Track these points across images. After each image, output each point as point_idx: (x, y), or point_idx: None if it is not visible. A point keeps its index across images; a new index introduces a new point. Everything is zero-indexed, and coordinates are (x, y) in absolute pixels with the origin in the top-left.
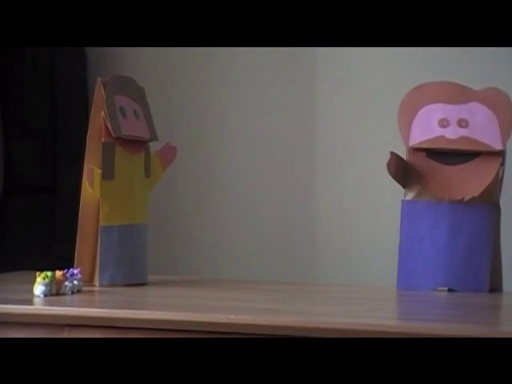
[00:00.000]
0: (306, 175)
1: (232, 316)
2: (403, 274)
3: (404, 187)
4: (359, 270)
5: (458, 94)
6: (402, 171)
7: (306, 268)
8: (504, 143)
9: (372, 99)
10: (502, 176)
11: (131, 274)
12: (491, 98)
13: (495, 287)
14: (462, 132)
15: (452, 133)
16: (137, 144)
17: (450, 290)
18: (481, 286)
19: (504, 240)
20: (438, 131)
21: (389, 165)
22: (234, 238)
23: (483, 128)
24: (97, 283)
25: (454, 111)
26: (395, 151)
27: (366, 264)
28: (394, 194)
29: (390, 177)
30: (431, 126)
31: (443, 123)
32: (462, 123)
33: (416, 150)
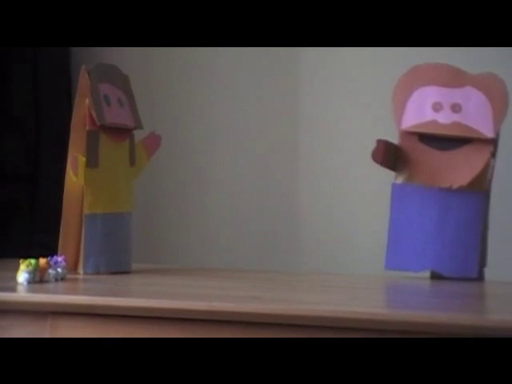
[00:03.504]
0: (289, 164)
1: (214, 303)
2: (391, 254)
3: (395, 170)
4: (342, 259)
5: (453, 76)
6: (392, 157)
7: (290, 257)
8: (496, 131)
9: (354, 94)
10: (494, 164)
11: (115, 262)
12: (487, 84)
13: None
14: (455, 117)
15: (444, 117)
16: (121, 132)
17: (436, 277)
18: (470, 273)
19: (498, 228)
20: (431, 115)
21: (375, 153)
22: (217, 226)
23: (476, 114)
24: (81, 271)
25: (447, 95)
26: (378, 139)
27: (349, 253)
28: (378, 183)
29: (373, 166)
30: (424, 109)
31: (436, 107)
32: (456, 108)
33: (408, 133)
